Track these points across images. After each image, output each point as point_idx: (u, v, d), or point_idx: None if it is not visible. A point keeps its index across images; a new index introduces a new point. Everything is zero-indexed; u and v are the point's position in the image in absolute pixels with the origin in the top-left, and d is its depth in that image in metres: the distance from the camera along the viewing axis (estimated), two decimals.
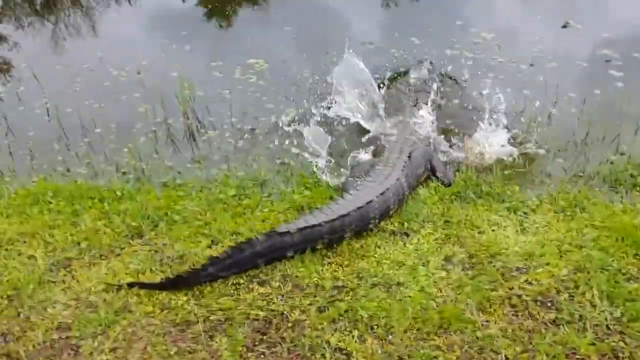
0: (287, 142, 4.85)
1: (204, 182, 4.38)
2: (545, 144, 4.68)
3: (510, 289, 3.22)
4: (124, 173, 4.54)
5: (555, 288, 3.21)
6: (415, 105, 4.94)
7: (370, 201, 3.70)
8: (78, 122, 5.21)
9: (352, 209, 3.61)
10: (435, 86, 5.17)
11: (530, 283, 3.26)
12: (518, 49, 6.07)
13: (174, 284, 3.27)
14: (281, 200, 4.13)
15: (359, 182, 3.95)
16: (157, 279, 3.38)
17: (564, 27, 6.55)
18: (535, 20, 6.74)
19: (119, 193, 4.20)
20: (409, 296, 3.20)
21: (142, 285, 3.30)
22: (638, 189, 4.12)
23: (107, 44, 6.74)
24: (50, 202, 4.08)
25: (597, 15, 6.79)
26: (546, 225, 3.77)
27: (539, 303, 3.10)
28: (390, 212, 3.84)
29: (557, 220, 3.82)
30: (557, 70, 5.66)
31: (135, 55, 6.16)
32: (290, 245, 3.46)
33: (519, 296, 3.17)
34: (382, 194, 3.78)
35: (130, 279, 3.38)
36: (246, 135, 5.02)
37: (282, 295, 3.28)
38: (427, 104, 4.96)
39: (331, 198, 4.05)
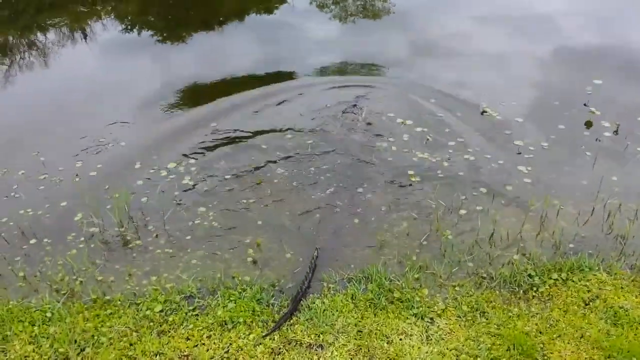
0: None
1: (132, 297, 4.58)
2: (455, 243, 5.07)
3: None
4: (56, 291, 4.70)
5: None
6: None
7: None
8: (17, 232, 5.38)
9: None
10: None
11: None
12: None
13: None
14: (206, 315, 4.36)
15: None
16: None
17: (482, 113, 7.12)
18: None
19: (49, 314, 4.35)
20: None
21: None
22: (534, 290, 4.50)
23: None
24: None
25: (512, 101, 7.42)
26: (449, 333, 4.10)
27: None
28: None
29: (460, 326, 4.16)
30: (467, 163, 6.16)
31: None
32: None
33: None
34: None
35: None
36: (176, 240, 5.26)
37: None
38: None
39: (253, 311, 4.33)
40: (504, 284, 4.59)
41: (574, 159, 6.22)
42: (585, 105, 7.23)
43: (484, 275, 4.70)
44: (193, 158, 6.46)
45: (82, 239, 5.27)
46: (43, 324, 4.28)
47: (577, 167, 6.07)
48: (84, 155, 6.59)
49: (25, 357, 3.98)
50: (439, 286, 4.61)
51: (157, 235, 5.31)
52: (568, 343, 3.96)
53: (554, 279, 4.56)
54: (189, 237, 5.27)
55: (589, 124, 6.86)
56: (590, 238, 5.07)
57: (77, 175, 6.20)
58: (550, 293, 4.45)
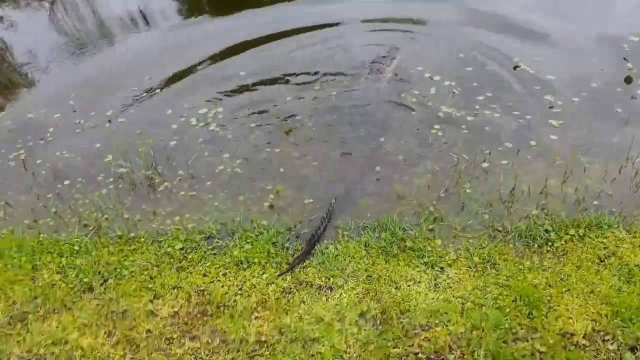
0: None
1: (155, 235, 4.79)
2: (474, 197, 5.05)
3: (410, 346, 3.62)
4: (85, 225, 4.96)
5: (449, 346, 3.61)
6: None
7: None
8: (51, 172, 5.67)
9: None
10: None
11: (428, 340, 3.66)
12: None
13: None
14: (223, 254, 4.54)
15: None
16: (101, 333, 3.82)
17: (515, 68, 6.93)
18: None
19: (76, 247, 4.62)
20: (320, 352, 3.61)
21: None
22: (549, 245, 4.48)
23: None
24: (14, 257, 4.52)
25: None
26: (457, 282, 4.16)
27: None
28: None
29: (469, 276, 4.21)
30: (494, 118, 6.05)
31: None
32: None
33: (416, 354, 3.57)
34: None
35: (77, 334, 3.81)
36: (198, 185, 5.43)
37: (209, 350, 3.69)
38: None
39: (268, 253, 4.48)
40: (519, 238, 4.58)
41: (605, 116, 6.01)
42: (625, 59, 6.92)
43: (500, 228, 4.69)
44: (222, 105, 6.57)
45: (111, 179, 5.50)
46: (70, 256, 4.56)
47: (608, 124, 5.87)
48: (117, 101, 6.80)
49: (52, 285, 4.26)
50: (453, 237, 4.63)
51: (181, 179, 5.49)
52: (577, 297, 3.95)
53: (571, 235, 4.51)
54: (211, 182, 5.43)
55: (628, 80, 6.59)
56: (615, 196, 4.95)
57: (109, 120, 6.41)
58: (565, 248, 4.42)
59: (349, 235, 4.68)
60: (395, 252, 4.46)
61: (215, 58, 7.75)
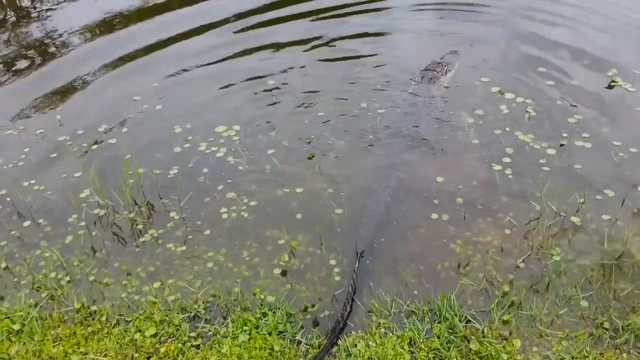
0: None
1: (124, 310, 3.55)
2: (565, 269, 3.61)
3: None
4: (38, 289, 3.76)
5: None
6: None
7: None
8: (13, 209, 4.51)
9: None
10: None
11: None
12: None
13: None
14: (209, 348, 3.25)
15: None
16: None
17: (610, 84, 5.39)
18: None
19: (17, 326, 3.42)
20: None
21: None
22: None
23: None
24: None
25: None
26: None
27: None
28: None
29: None
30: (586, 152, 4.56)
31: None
32: None
33: None
34: None
35: None
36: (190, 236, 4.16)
37: None
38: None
39: (271, 351, 3.17)
40: (637, 341, 3.13)
41: None
42: None
43: (606, 324, 3.24)
44: (240, 122, 5.27)
45: (83, 223, 4.30)
46: (6, 339, 3.36)
47: None
48: (108, 114, 5.59)
49: None
50: (538, 336, 3.21)
51: (172, 226, 4.24)
52: None
53: None
54: (208, 232, 4.15)
55: None
56: None
57: (96, 141, 5.21)
58: None
59: (386, 326, 3.31)
60: (455, 359, 3.07)
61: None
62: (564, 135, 4.73)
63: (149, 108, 5.64)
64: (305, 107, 5.43)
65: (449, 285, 3.56)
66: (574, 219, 3.95)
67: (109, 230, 4.26)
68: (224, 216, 4.26)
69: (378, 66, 6.03)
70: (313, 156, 4.78)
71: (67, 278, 3.83)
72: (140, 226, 4.25)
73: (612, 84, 5.37)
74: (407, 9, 7.32)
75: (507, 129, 4.89)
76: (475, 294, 3.49)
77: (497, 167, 4.47)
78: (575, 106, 5.09)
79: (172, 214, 4.32)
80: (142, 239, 4.14)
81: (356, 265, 3.66)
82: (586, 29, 6.41)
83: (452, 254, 3.83)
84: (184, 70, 6.35)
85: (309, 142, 4.90)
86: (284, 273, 3.76)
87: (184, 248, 4.03)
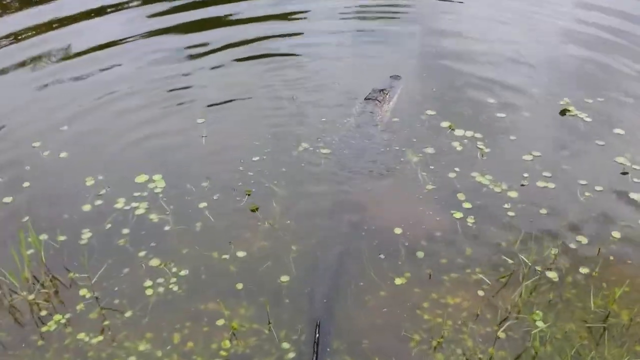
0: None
1: None
2: (549, 336, 3.18)
3: None
4: None
5: None
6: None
7: None
8: None
9: None
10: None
11: None
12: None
13: None
14: None
15: None
16: None
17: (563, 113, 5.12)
18: None
19: None
20: None
21: None
22: None
23: None
24: None
25: None
26: None
27: None
28: None
29: None
30: (550, 193, 4.22)
31: None
32: None
33: None
34: None
35: None
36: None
37: None
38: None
39: None
40: None
41: None
42: None
43: None
44: (158, 172, 4.53)
45: None
46: None
47: None
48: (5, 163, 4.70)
49: None
50: None
51: (84, 308, 3.45)
52: None
53: None
54: (129, 314, 3.40)
55: None
56: None
57: None
58: None
59: None
60: None
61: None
62: (525, 175, 4.36)
63: (51, 155, 4.77)
64: (236, 147, 4.81)
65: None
66: (550, 274, 3.55)
67: (3, 318, 3.42)
68: (148, 292, 3.52)
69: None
70: (257, 208, 4.14)
71: None
72: (43, 311, 3.44)
73: (566, 113, 5.09)
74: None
75: (459, 169, 4.46)
76: None
77: (458, 215, 4.02)
78: (530, 141, 4.77)
79: (83, 292, 3.53)
80: (45, 328, 3.33)
81: (315, 344, 3.08)
82: (531, 59, 6.15)
83: (421, 322, 3.31)
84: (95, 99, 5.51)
85: (249, 195, 4.26)
86: None
87: (99, 338, 3.26)
